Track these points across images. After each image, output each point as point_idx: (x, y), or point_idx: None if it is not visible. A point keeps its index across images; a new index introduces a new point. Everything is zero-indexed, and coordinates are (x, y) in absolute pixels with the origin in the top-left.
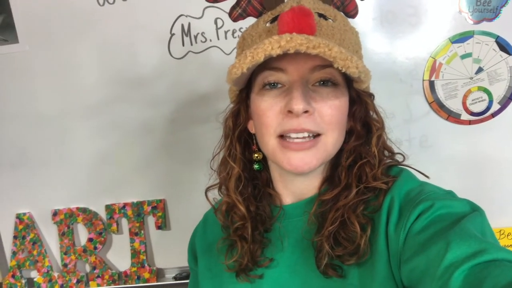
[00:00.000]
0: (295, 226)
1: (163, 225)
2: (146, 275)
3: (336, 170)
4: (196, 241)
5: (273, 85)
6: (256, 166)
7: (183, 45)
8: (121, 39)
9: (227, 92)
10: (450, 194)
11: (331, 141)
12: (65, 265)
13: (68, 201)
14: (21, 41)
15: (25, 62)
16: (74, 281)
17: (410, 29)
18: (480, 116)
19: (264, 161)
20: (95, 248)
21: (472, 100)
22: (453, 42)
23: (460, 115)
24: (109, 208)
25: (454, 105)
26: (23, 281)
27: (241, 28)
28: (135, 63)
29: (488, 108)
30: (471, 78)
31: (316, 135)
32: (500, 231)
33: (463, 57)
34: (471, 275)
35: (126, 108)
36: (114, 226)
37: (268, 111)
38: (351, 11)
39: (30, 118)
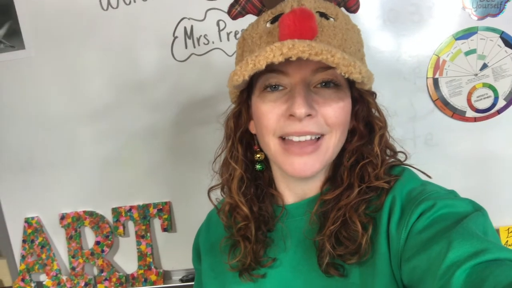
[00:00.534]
0: (298, 225)
1: (169, 227)
2: (153, 277)
3: (338, 170)
4: (200, 240)
5: (274, 88)
6: (258, 167)
7: (186, 47)
8: (125, 43)
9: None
10: (452, 194)
11: (334, 142)
12: (73, 268)
13: (75, 204)
14: (28, 47)
15: (32, 68)
16: (82, 284)
17: (413, 26)
18: (486, 113)
19: (266, 161)
20: (102, 251)
21: (477, 97)
22: (456, 39)
23: (465, 112)
24: (116, 211)
25: (459, 102)
26: (33, 284)
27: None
28: (139, 66)
29: (493, 105)
30: (476, 74)
31: (319, 136)
32: (508, 229)
33: (467, 53)
34: (472, 274)
35: (131, 111)
36: (121, 229)
37: (269, 114)
38: (352, 7)
39: (38, 123)
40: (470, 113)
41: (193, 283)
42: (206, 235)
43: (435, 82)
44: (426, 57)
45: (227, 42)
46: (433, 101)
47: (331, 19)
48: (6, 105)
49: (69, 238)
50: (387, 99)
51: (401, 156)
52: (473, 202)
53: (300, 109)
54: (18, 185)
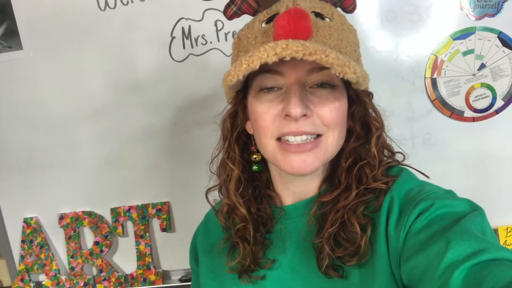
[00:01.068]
0: (296, 227)
1: (167, 227)
2: (152, 277)
3: (336, 171)
4: (198, 241)
5: (270, 88)
6: (255, 168)
7: (183, 48)
8: (122, 43)
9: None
10: (450, 194)
11: (332, 141)
12: (72, 269)
13: (74, 205)
14: (25, 48)
15: (30, 68)
16: (82, 284)
17: (411, 26)
18: (484, 113)
19: (263, 162)
20: (101, 251)
21: (475, 97)
22: (454, 39)
23: (463, 112)
24: (114, 211)
25: (457, 102)
26: (32, 284)
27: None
28: (137, 67)
29: (491, 105)
30: (474, 74)
31: (317, 136)
32: (507, 228)
33: (465, 53)
34: (471, 274)
35: (129, 111)
36: (120, 229)
37: (265, 115)
38: (348, 7)
39: (36, 124)
40: (468, 113)
41: None
42: (204, 236)
43: (433, 82)
44: (424, 57)
45: (225, 42)
46: (431, 101)
47: (327, 19)
48: (4, 105)
49: (68, 238)
50: (385, 99)
51: (399, 157)
52: (471, 202)
53: (296, 109)
54: (17, 185)
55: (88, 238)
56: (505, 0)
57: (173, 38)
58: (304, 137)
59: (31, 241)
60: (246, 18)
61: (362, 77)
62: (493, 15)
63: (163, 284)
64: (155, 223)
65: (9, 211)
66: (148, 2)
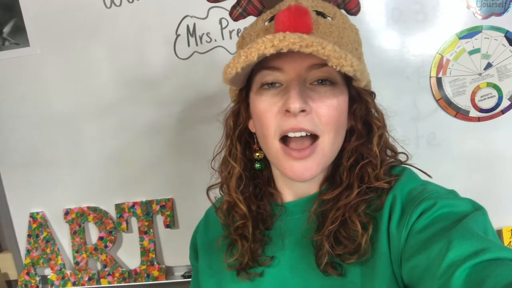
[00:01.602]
0: (296, 224)
1: (171, 223)
2: (156, 273)
3: (338, 170)
4: (198, 238)
5: (271, 85)
6: (257, 166)
7: (188, 45)
8: (128, 40)
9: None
10: (452, 194)
11: (328, 144)
12: (77, 263)
13: (79, 200)
14: (32, 45)
15: (37, 65)
16: (86, 278)
17: (417, 25)
18: (490, 113)
19: (265, 159)
20: (106, 246)
21: (481, 97)
22: (460, 38)
23: (468, 112)
24: (119, 207)
25: (463, 102)
26: (38, 278)
27: (245, 27)
28: (142, 64)
29: (497, 105)
30: (480, 74)
31: (314, 137)
32: (511, 229)
33: (471, 53)
34: (473, 274)
35: (134, 108)
36: (124, 225)
37: (267, 112)
38: (352, 9)
39: (42, 120)
40: (473, 113)
41: None
42: (204, 233)
43: (439, 81)
44: (430, 56)
45: (230, 40)
46: (437, 101)
47: (329, 18)
48: (11, 102)
49: (73, 233)
50: (390, 98)
51: (402, 157)
52: (473, 202)
53: (295, 104)
54: (24, 180)
55: (93, 233)
56: None
57: (178, 35)
58: (303, 132)
59: (37, 236)
60: (251, 19)
61: (359, 71)
62: (500, 14)
63: (166, 279)
64: (159, 220)
65: (15, 205)
66: (153, 0)
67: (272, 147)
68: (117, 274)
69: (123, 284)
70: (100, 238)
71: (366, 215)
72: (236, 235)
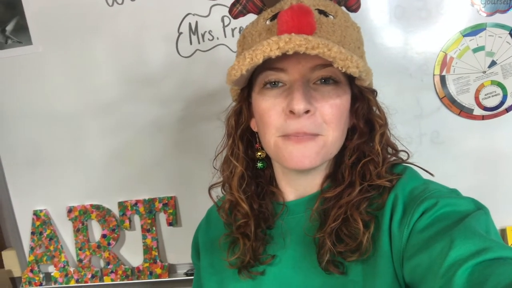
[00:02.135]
0: (298, 222)
1: (174, 221)
2: (158, 270)
3: (340, 168)
4: (199, 237)
5: (274, 84)
6: (259, 165)
7: (190, 43)
8: (130, 38)
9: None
10: (454, 193)
11: (331, 140)
12: (80, 261)
13: (82, 198)
14: (35, 43)
15: (39, 63)
16: (89, 276)
17: (420, 23)
18: (494, 111)
19: (267, 159)
20: (109, 244)
21: (485, 95)
22: (464, 36)
23: (472, 110)
24: (122, 205)
25: (466, 100)
26: (41, 275)
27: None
28: (145, 62)
29: (502, 103)
30: (484, 72)
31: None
32: None
33: (475, 50)
34: (475, 273)
35: (136, 106)
36: (127, 223)
37: (270, 111)
38: (352, 5)
39: (45, 118)
40: (477, 111)
41: None
42: (205, 231)
43: (442, 79)
44: (433, 54)
45: (232, 38)
46: (440, 99)
47: (331, 16)
48: (14, 100)
49: (76, 231)
50: (393, 96)
51: (403, 155)
52: (475, 201)
53: (299, 105)
54: (27, 178)
55: (96, 231)
56: None
57: (180, 33)
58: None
59: (41, 233)
60: (251, 17)
61: (365, 72)
62: (504, 11)
63: (169, 277)
64: (162, 217)
65: (19, 203)
66: None
67: (271, 140)
68: (120, 272)
69: (126, 281)
70: (103, 236)
71: (368, 213)
72: (238, 234)
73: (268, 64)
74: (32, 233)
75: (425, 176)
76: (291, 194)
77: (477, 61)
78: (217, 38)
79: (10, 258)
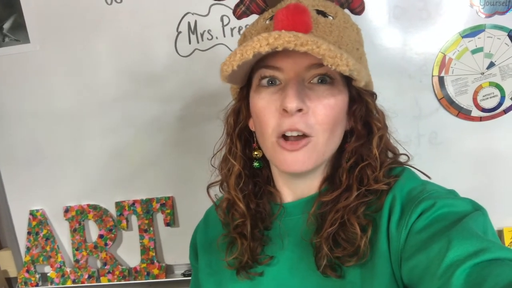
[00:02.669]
0: (295, 224)
1: (171, 222)
2: (156, 271)
3: (337, 171)
4: (197, 237)
5: (271, 83)
6: (256, 164)
7: (189, 43)
8: (128, 37)
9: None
10: (452, 194)
11: (322, 142)
12: (77, 261)
13: (79, 198)
14: (32, 41)
15: (37, 62)
16: (86, 276)
17: (419, 23)
18: (492, 112)
19: (264, 159)
20: (106, 244)
21: (483, 96)
22: (463, 37)
23: (470, 111)
24: (119, 205)
25: (465, 101)
26: (37, 276)
27: (247, 25)
28: (143, 61)
29: (500, 104)
30: (482, 73)
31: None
32: None
33: (474, 51)
34: (472, 274)
35: (134, 106)
36: (124, 223)
37: (265, 110)
38: (356, 8)
39: (43, 117)
40: (475, 112)
41: None
42: (203, 232)
43: (441, 80)
44: (432, 54)
45: (231, 37)
46: (438, 100)
47: (330, 17)
48: (11, 98)
49: (73, 231)
50: (391, 97)
51: (403, 158)
52: (473, 202)
53: (292, 103)
54: (24, 177)
55: (93, 231)
56: None
57: (179, 32)
58: (299, 132)
59: (37, 233)
60: (255, 17)
61: (356, 71)
62: (503, 13)
63: (166, 278)
64: (159, 218)
65: (15, 203)
66: None
67: (268, 141)
68: (117, 272)
69: (123, 282)
70: (100, 236)
71: (366, 216)
72: (236, 234)
73: (264, 62)
74: (29, 233)
75: (423, 177)
76: (289, 195)
77: (475, 63)
78: (216, 38)
79: (5, 259)
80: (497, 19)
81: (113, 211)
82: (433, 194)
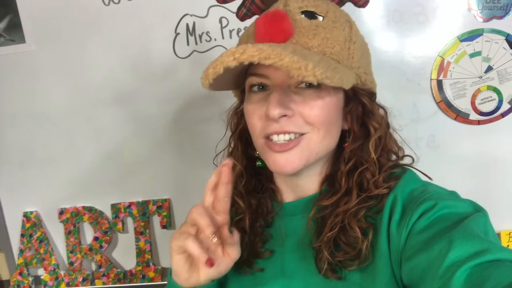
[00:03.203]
0: (295, 225)
1: (168, 224)
2: (151, 274)
3: (336, 174)
4: None
5: (261, 88)
6: (258, 164)
7: (188, 44)
8: (126, 38)
9: (231, 92)
10: (453, 195)
11: (316, 139)
12: (71, 264)
13: (74, 200)
14: (28, 41)
15: (32, 62)
16: (80, 279)
17: (418, 27)
18: (490, 116)
19: None
20: (101, 247)
21: (481, 100)
22: (461, 41)
23: (468, 115)
24: (115, 207)
25: (463, 104)
26: (30, 278)
27: (245, 27)
28: (141, 62)
29: (497, 108)
30: (480, 77)
31: (300, 135)
32: (509, 233)
33: (472, 55)
34: (473, 275)
35: (131, 107)
36: (120, 225)
37: (253, 115)
38: (358, 1)
39: (37, 117)
40: (473, 116)
41: None
42: None
43: (439, 84)
44: (430, 58)
45: (229, 39)
46: (437, 103)
47: (320, 17)
48: (5, 99)
49: (68, 233)
50: (389, 100)
51: (407, 160)
52: (474, 203)
53: (274, 111)
54: (18, 179)
55: (88, 233)
56: None
57: (177, 34)
58: (287, 136)
59: (31, 235)
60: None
61: (329, 78)
62: (501, 17)
63: (162, 281)
64: (156, 220)
65: (9, 204)
66: None
67: (258, 143)
68: (112, 275)
69: (118, 285)
70: (95, 239)
71: (367, 219)
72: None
73: (253, 70)
74: (22, 235)
75: (424, 179)
76: (289, 194)
77: (473, 66)
78: (215, 39)
79: None
80: (495, 24)
81: (108, 213)
82: (434, 195)
